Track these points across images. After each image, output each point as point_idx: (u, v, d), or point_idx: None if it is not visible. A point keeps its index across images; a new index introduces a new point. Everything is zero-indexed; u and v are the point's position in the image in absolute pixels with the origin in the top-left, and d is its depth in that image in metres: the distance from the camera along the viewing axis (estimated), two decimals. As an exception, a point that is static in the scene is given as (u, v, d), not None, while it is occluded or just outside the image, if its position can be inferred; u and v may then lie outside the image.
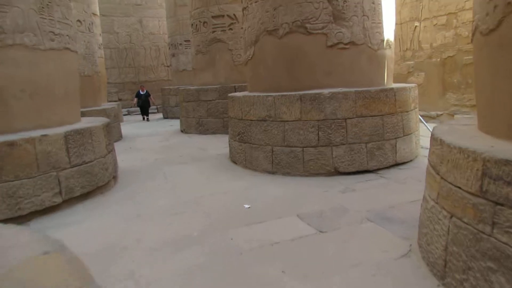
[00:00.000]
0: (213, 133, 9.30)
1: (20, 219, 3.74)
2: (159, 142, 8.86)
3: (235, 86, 9.13)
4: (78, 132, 4.25)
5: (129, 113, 17.40)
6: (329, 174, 4.82)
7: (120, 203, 4.31)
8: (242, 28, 9.29)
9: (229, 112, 6.07)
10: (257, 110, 5.19)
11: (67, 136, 4.09)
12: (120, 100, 17.98)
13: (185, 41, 14.08)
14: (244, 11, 5.80)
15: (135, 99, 14.06)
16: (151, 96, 14.13)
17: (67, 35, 4.63)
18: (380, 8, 5.18)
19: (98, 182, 4.51)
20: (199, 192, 4.55)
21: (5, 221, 3.63)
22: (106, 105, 9.68)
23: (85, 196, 4.34)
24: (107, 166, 4.76)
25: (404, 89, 5.16)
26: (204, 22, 9.52)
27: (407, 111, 5.18)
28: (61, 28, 4.49)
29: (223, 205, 4.02)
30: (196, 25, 9.74)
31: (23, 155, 3.72)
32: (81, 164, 4.26)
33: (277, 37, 5.15)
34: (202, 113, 9.45)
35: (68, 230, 3.59)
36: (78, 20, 8.42)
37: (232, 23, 9.31)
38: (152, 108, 17.50)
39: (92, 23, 8.94)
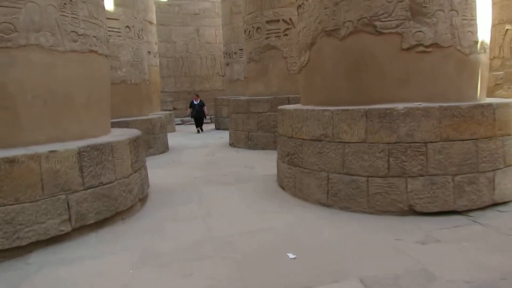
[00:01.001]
0: (263, 148, 8.47)
1: (18, 251, 3.14)
2: (204, 156, 8.20)
3: (288, 97, 8.25)
4: (96, 148, 3.61)
5: (183, 123, 17.22)
6: (402, 213, 3.73)
7: (139, 235, 3.58)
8: (296, 30, 8.48)
9: (279, 128, 5.19)
10: (311, 127, 4.26)
11: (81, 152, 3.46)
12: (174, 109, 17.90)
13: (240, 49, 13.51)
14: (299, 10, 4.93)
15: (189, 109, 13.48)
16: (205, 107, 13.38)
17: (94, 36, 4.07)
18: (474, 1, 4.04)
19: (118, 207, 3.84)
20: (235, 226, 3.70)
21: (1, 252, 3.05)
22: (153, 115, 9.27)
23: (101, 223, 3.68)
24: (131, 188, 4.08)
25: (507, 105, 3.93)
26: (258, 28, 8.78)
27: (509, 135, 3.94)
28: (87, 28, 3.93)
29: (261, 250, 3.12)
30: (249, 31, 9.04)
31: (26, 175, 3.13)
32: (97, 186, 3.60)
33: (338, 39, 4.20)
34: (252, 126, 8.67)
35: (69, 270, 2.90)
36: (127, 26, 8.09)
37: (287, 29, 8.47)
38: (206, 117, 17.27)
39: (141, 30, 8.60)
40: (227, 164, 7.12)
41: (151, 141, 8.43)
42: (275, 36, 8.53)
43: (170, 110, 17.35)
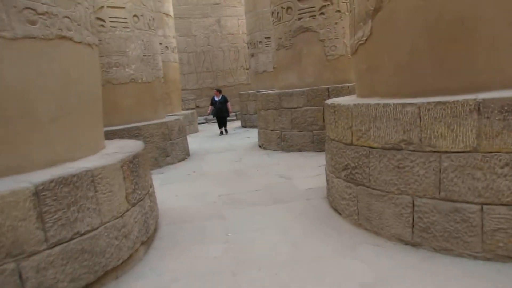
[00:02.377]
0: (299, 150, 7.13)
1: None
2: (230, 163, 6.95)
3: (328, 88, 6.85)
4: (65, 181, 2.39)
5: (206, 121, 16.09)
6: (550, 266, 2.33)
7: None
8: (343, 1, 7.03)
9: (329, 131, 3.83)
10: (383, 130, 2.89)
11: (40, 192, 2.25)
12: (197, 107, 16.80)
13: (266, 38, 12.16)
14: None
15: (210, 107, 11.47)
16: (228, 103, 11.32)
17: (67, 17, 2.85)
18: None
19: (107, 264, 2.62)
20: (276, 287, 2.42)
21: None
22: (170, 117, 8.09)
23: (81, 291, 2.47)
24: (127, 231, 2.86)
25: None
26: (288, 8, 7.40)
27: None
28: (53, 4, 2.71)
29: None
30: (278, 12, 7.67)
31: None
32: (71, 239, 2.39)
33: (420, -4, 2.80)
34: (285, 124, 7.33)
35: None
36: (135, 15, 6.90)
37: (324, 6, 7.04)
38: (231, 114, 16.02)
39: (152, 19, 7.40)
40: (257, 173, 5.83)
41: (168, 148, 7.26)
42: (309, 16, 7.11)
43: (192, 109, 16.26)
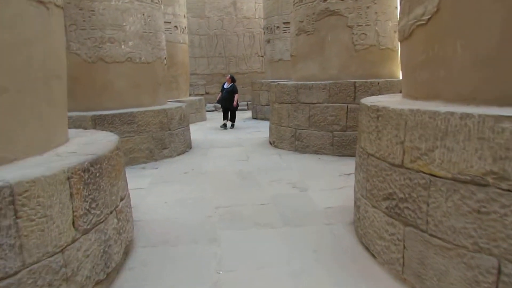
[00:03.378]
0: (316, 152, 6.18)
1: None
2: (235, 161, 6.04)
3: (355, 83, 5.86)
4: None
5: (216, 109, 15.17)
6: None
7: None
8: None
9: (363, 141, 2.87)
10: (458, 152, 1.92)
11: None
12: (207, 93, 15.87)
13: (284, 23, 11.15)
14: None
15: (220, 94, 10.03)
16: (236, 95, 9.66)
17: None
18: None
19: (30, 327, 1.74)
20: None
21: None
22: (172, 104, 7.18)
23: None
24: (70, 272, 1.97)
25: None
26: (313, -14, 6.38)
27: None
28: None
29: None
30: (300, -9, 6.67)
31: None
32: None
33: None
34: (301, 121, 6.37)
35: None
36: (136, -16, 5.97)
37: (355, -15, 6.02)
38: (241, 104, 15.06)
39: (157, -10, 6.45)
40: (265, 178, 4.91)
41: (166, 140, 6.37)
42: (337, -4, 6.10)
43: (201, 95, 15.33)
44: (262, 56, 15.42)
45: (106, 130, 5.58)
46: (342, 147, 5.90)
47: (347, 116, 5.85)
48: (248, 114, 13.08)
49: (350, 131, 5.83)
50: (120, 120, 5.78)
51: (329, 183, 4.57)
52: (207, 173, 5.36)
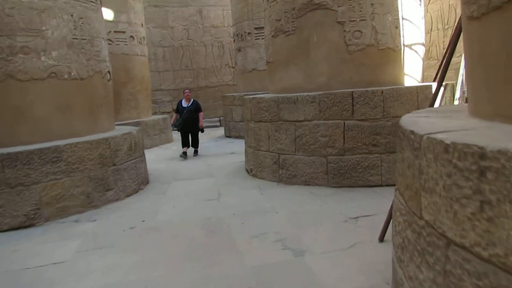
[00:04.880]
0: (306, 183, 4.79)
1: None
2: (202, 202, 4.57)
3: (352, 93, 4.54)
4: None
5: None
6: None
7: None
8: None
9: (422, 206, 1.46)
10: None
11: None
12: (174, 110, 14.33)
13: (256, 28, 9.88)
14: None
15: (174, 116, 7.89)
16: (201, 113, 7.74)
17: None
18: None
19: None
20: None
21: None
22: (117, 130, 5.63)
23: None
24: None
25: None
26: (290, -25, 5.08)
27: None
28: None
29: None
30: (275, -18, 5.35)
31: None
32: None
33: None
34: (285, 143, 4.98)
35: None
36: (59, -23, 4.49)
37: (344, -30, 4.75)
38: (213, 121, 13.58)
39: (91, -14, 4.99)
40: (243, 232, 3.47)
41: (110, 178, 4.83)
42: (323, -16, 4.81)
43: (168, 113, 13.77)
44: (233, 67, 14.08)
45: (21, 174, 4.08)
46: (339, 176, 4.55)
47: (344, 136, 4.51)
48: (221, 131, 11.64)
49: (349, 154, 4.49)
50: (41, 158, 4.23)
51: (333, 238, 3.17)
52: (162, 227, 3.86)
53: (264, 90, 8.82)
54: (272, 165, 5.16)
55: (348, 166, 4.50)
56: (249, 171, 5.75)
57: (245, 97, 6.16)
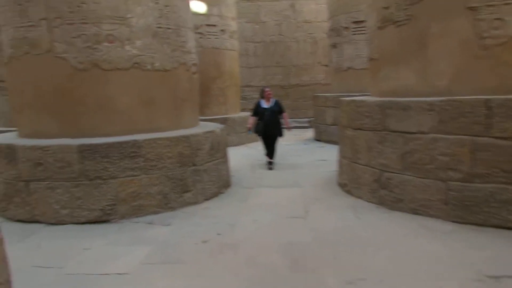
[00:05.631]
0: (415, 211, 3.84)
1: None
2: (285, 220, 3.94)
3: (488, 101, 3.48)
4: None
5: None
6: None
7: None
8: None
9: None
10: None
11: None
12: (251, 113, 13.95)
13: (354, 22, 8.93)
14: None
15: (251, 119, 6.71)
16: (285, 114, 6.70)
17: None
18: None
19: None
20: None
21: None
22: (200, 128, 5.23)
23: None
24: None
25: None
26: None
27: None
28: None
29: None
30: (388, -37, 4.46)
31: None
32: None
33: None
34: (390, 159, 4.10)
35: None
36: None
37: None
38: (301, 121, 12.87)
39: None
40: (335, 270, 2.76)
41: (188, 180, 4.46)
42: (455, -40, 3.81)
43: (255, 110, 13.43)
44: (326, 66, 13.22)
45: (99, 167, 3.88)
46: (463, 209, 3.54)
47: (473, 158, 3.50)
48: (309, 133, 10.90)
49: (480, 182, 3.46)
50: (120, 152, 3.99)
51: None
52: (238, 245, 3.31)
53: (361, 92, 7.89)
54: (371, 183, 4.31)
55: (478, 197, 3.47)
56: (341, 186, 4.97)
57: (341, 98, 5.37)
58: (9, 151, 4.05)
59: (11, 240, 3.58)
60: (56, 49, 3.98)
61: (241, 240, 3.43)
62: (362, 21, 8.42)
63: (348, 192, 4.72)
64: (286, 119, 6.69)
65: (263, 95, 6.65)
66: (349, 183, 4.73)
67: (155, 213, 4.21)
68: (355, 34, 8.82)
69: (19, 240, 3.59)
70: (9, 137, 4.67)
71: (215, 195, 4.85)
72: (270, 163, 6.61)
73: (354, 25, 8.82)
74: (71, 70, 4.02)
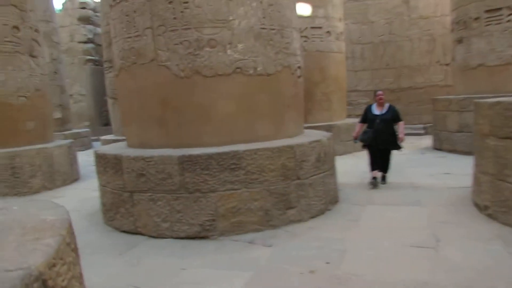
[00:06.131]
0: None
1: None
2: (412, 249, 3.20)
3: None
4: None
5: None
6: None
7: None
8: None
9: None
10: None
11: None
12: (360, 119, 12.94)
13: (487, 11, 7.57)
14: None
15: (359, 126, 5.80)
16: (402, 123, 5.62)
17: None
18: None
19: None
20: None
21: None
22: (304, 136, 4.76)
23: None
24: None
25: None
26: None
27: None
28: None
29: None
30: None
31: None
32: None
33: None
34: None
35: None
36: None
37: None
38: (414, 128, 11.51)
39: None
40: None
41: (292, 195, 3.99)
42: None
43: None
44: (446, 65, 11.70)
45: (199, 180, 3.66)
46: None
47: None
48: (426, 141, 9.61)
49: None
50: (219, 164, 3.71)
51: None
52: (350, 281, 2.71)
53: (494, 93, 6.61)
54: (527, 206, 3.31)
55: None
56: (481, 208, 3.98)
57: (477, 101, 4.37)
58: (116, 162, 4.08)
59: (114, 253, 3.56)
60: (159, 58, 3.91)
61: (355, 273, 2.82)
62: (498, 9, 7.08)
63: (491, 216, 3.74)
64: (401, 129, 5.59)
65: (375, 98, 5.68)
66: (492, 205, 3.74)
67: (256, 231, 3.83)
68: (488, 24, 7.46)
69: (120, 253, 3.52)
70: (118, 147, 4.79)
71: (321, 212, 4.30)
72: (373, 179, 5.48)
73: (487, 15, 7.47)
74: (173, 78, 3.90)
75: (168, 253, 3.47)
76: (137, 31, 4.02)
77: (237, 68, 3.90)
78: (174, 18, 3.81)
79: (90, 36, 16.86)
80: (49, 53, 11.39)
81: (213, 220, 3.76)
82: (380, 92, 5.64)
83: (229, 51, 3.85)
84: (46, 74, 7.68)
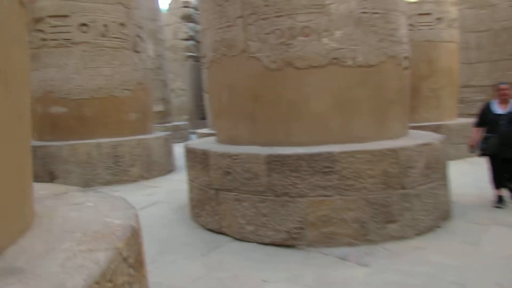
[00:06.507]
0: None
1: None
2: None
3: None
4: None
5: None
6: None
7: None
8: None
9: None
10: None
11: None
12: (476, 121, 11.27)
13: None
14: None
15: (475, 131, 4.66)
16: None
17: None
18: None
19: None
20: None
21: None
22: (410, 137, 4.08)
23: None
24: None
25: None
26: None
27: None
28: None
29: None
30: None
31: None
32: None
33: None
34: None
35: None
36: None
37: None
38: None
39: None
40: None
41: (394, 206, 3.41)
42: None
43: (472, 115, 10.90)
44: None
45: (288, 182, 3.33)
46: None
47: None
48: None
49: None
50: (310, 166, 3.32)
51: None
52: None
53: None
54: None
55: None
56: None
57: None
58: (204, 157, 3.94)
59: (196, 252, 3.41)
60: (250, 49, 3.64)
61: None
62: None
63: None
64: None
65: (497, 93, 4.49)
66: None
67: (349, 245, 3.35)
68: None
69: (203, 254, 3.35)
70: (207, 142, 4.68)
71: (429, 229, 3.63)
72: (499, 199, 4.38)
73: None
74: (263, 71, 3.60)
75: (252, 259, 3.20)
76: (228, 21, 3.81)
77: (334, 58, 3.43)
78: (266, 5, 3.49)
79: (191, 33, 17.65)
80: (154, 50, 12.12)
81: (301, 228, 3.39)
82: (504, 86, 4.45)
83: (324, 40, 3.41)
84: (148, 68, 8.05)
